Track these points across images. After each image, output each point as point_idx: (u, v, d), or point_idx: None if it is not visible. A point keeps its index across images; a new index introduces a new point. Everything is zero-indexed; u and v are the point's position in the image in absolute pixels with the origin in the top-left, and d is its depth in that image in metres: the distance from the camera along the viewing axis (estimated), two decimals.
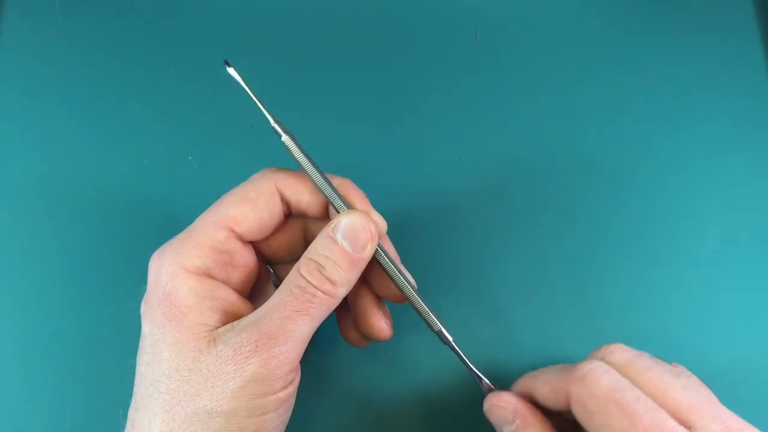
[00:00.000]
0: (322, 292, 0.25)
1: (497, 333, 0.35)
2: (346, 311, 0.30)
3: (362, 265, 0.26)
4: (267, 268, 0.31)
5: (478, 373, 0.29)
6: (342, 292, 0.26)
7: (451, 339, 0.29)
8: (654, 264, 0.36)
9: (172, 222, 0.36)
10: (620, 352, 0.26)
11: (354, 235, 0.26)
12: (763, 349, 0.35)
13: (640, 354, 0.26)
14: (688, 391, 0.24)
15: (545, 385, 0.27)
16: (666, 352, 0.34)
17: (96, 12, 0.41)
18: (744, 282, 0.36)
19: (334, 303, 0.26)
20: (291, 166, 0.28)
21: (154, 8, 0.41)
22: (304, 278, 0.25)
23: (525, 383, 0.28)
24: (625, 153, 0.39)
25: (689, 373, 0.28)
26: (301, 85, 0.40)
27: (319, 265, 0.25)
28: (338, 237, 0.25)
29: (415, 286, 0.29)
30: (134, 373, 0.26)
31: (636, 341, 0.34)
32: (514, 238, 0.37)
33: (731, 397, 0.33)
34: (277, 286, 0.31)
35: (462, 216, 0.37)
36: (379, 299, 0.30)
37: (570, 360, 0.28)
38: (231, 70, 0.26)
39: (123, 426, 0.26)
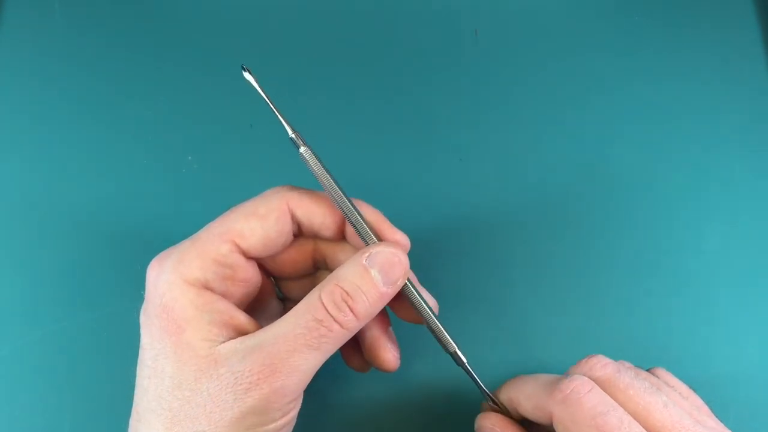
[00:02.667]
0: (340, 325, 0.24)
1: (498, 335, 0.35)
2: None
3: (387, 301, 0.25)
4: (270, 281, 0.30)
5: (489, 393, 0.29)
6: (359, 326, 0.25)
7: (465, 361, 0.28)
8: (655, 265, 0.36)
9: (172, 222, 0.36)
10: (600, 368, 0.26)
11: (389, 269, 0.25)
12: (764, 350, 0.35)
13: (620, 369, 0.26)
14: (670, 409, 0.24)
15: (528, 401, 0.27)
16: (667, 353, 0.34)
17: (95, 12, 0.41)
18: (745, 281, 0.36)
19: (348, 337, 0.25)
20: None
21: (154, 8, 0.41)
22: (324, 308, 0.24)
23: (510, 392, 0.28)
24: (623, 152, 0.38)
25: (674, 380, 0.28)
26: (300, 86, 0.40)
27: (346, 293, 0.24)
28: (371, 267, 0.25)
29: (436, 308, 0.28)
30: (134, 379, 0.25)
31: (637, 342, 0.35)
32: (514, 237, 0.37)
33: (731, 399, 0.33)
34: (280, 299, 0.31)
35: (462, 216, 0.37)
36: (389, 329, 0.29)
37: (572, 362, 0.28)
38: (248, 76, 0.25)
39: (123, 430, 0.26)
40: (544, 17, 0.42)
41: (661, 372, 0.29)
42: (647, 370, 0.28)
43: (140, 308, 0.26)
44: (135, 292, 0.33)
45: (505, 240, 0.37)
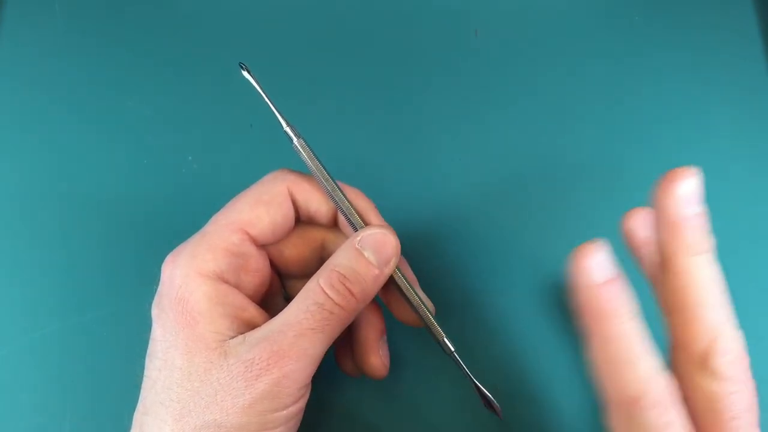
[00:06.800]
0: (341, 307, 0.25)
1: (497, 334, 0.35)
2: (343, 339, 0.30)
3: (382, 282, 0.26)
4: (278, 280, 0.30)
5: (488, 394, 0.29)
6: (360, 307, 0.25)
7: (453, 349, 0.28)
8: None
9: (172, 222, 0.36)
10: (721, 357, 0.23)
11: (380, 248, 0.25)
12: (763, 350, 0.35)
13: (736, 386, 0.23)
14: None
15: (606, 382, 0.23)
16: (664, 353, 0.34)
17: (95, 11, 0.41)
18: (743, 280, 0.36)
19: (349, 319, 0.25)
20: (296, 167, 0.28)
21: (154, 7, 0.41)
22: (324, 292, 0.24)
23: (644, 226, 0.27)
24: (625, 151, 0.38)
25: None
26: (300, 85, 0.40)
27: (342, 275, 0.25)
28: (363, 249, 0.25)
29: (433, 310, 0.28)
30: (141, 375, 0.26)
31: None
32: (514, 237, 0.37)
33: None
34: (287, 300, 0.31)
35: (461, 216, 0.37)
36: (382, 335, 0.29)
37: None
38: (246, 74, 0.26)
39: (127, 428, 0.26)
40: (544, 17, 0.42)
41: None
42: None
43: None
44: (135, 292, 0.33)
45: (505, 240, 0.37)
